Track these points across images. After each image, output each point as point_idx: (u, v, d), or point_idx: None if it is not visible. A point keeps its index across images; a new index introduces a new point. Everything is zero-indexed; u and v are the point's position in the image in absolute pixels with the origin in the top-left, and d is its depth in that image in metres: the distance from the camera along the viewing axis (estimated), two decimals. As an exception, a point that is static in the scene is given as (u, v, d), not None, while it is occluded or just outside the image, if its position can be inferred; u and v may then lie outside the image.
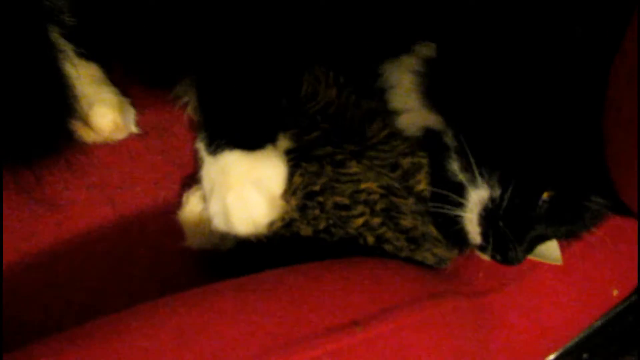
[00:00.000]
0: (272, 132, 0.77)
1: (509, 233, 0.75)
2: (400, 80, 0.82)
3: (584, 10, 0.74)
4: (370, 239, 0.77)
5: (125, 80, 1.05)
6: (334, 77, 0.83)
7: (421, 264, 0.81)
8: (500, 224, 0.75)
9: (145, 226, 0.91)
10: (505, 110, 0.75)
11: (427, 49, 0.80)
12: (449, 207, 0.77)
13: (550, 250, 0.85)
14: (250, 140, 0.76)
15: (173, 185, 0.94)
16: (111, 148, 0.98)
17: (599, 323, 1.04)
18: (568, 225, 0.78)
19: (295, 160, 0.78)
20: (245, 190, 0.74)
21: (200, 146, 0.78)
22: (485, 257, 0.77)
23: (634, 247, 0.87)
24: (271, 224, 0.76)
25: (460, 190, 0.77)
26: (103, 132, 0.95)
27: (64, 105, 0.92)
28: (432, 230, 0.80)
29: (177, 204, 0.88)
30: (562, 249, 0.85)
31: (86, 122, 0.94)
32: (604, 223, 0.82)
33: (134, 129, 0.99)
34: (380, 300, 0.68)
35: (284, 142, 0.78)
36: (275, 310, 0.65)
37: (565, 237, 0.80)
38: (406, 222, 0.77)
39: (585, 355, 1.11)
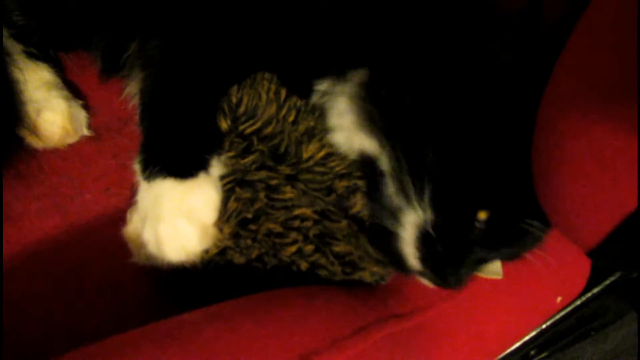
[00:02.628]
0: (206, 159, 0.75)
1: (448, 256, 0.73)
2: (337, 102, 0.79)
3: (513, 37, 0.74)
4: (304, 266, 0.75)
5: (77, 80, 1.02)
6: (275, 91, 0.79)
7: (359, 283, 0.79)
8: (438, 247, 0.73)
9: (96, 235, 0.90)
10: (435, 133, 0.74)
11: (361, 75, 0.78)
12: (389, 223, 0.75)
13: (490, 265, 0.82)
14: (183, 168, 0.74)
15: (124, 191, 0.93)
16: (62, 153, 0.97)
17: (544, 325, 1.03)
18: (508, 247, 0.76)
19: (230, 184, 0.75)
20: (176, 222, 0.72)
21: (137, 169, 0.76)
22: (427, 283, 0.75)
23: (578, 255, 0.85)
24: (205, 251, 0.73)
25: (396, 213, 0.75)
26: (52, 139, 0.94)
27: (11, 112, 0.90)
28: (370, 250, 0.77)
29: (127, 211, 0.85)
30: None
31: (34, 129, 0.91)
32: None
33: (85, 132, 0.97)
34: (300, 346, 0.66)
35: (217, 168, 0.76)
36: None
37: (508, 259, 0.78)
38: (340, 247, 0.76)
39: (532, 352, 1.11)
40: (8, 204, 0.91)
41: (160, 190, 0.73)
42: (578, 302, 0.92)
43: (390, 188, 0.76)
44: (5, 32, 0.96)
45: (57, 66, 1.01)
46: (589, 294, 0.92)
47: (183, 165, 0.74)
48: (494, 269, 0.82)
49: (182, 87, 0.78)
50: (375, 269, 0.80)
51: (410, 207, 0.74)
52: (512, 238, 0.76)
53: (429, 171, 0.73)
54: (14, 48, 0.96)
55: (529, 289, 0.86)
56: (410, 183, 0.74)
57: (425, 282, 0.77)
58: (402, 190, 0.75)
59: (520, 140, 0.71)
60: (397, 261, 0.77)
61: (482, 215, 0.73)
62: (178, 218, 0.72)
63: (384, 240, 0.78)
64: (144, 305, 0.81)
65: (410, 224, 0.75)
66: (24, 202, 0.93)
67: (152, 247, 0.74)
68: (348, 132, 0.79)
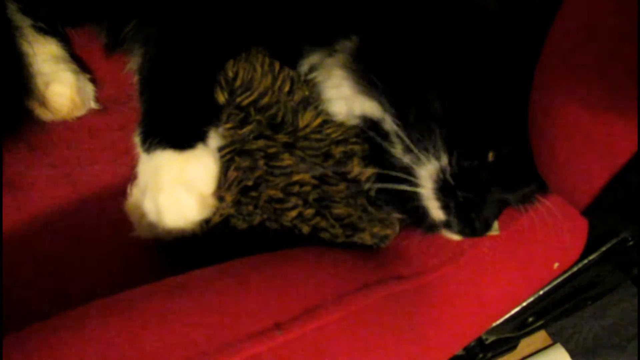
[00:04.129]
0: (204, 131, 0.76)
1: (470, 201, 0.75)
2: (331, 74, 0.80)
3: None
4: (305, 229, 0.77)
5: (85, 54, 1.03)
6: (270, 64, 0.80)
7: (361, 247, 0.80)
8: (459, 193, 0.74)
9: (105, 205, 0.91)
10: (437, 83, 0.75)
11: (350, 43, 0.79)
12: (405, 185, 0.77)
13: None
14: (182, 139, 0.75)
15: (132, 162, 0.93)
16: (71, 125, 0.98)
17: (541, 292, 1.04)
18: (522, 186, 0.78)
19: (229, 154, 0.76)
20: (176, 192, 0.74)
21: (137, 142, 0.77)
22: (454, 237, 0.78)
23: (575, 221, 0.86)
24: (208, 220, 0.75)
25: (409, 170, 0.77)
26: (61, 110, 0.95)
27: (20, 85, 0.91)
28: (370, 209, 0.79)
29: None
30: (505, 225, 0.84)
31: (43, 101, 0.92)
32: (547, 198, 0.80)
33: (93, 105, 0.98)
34: (305, 300, 0.68)
35: (215, 140, 0.77)
36: (201, 318, 0.65)
37: (523, 202, 0.80)
38: (339, 210, 0.77)
39: (530, 319, 1.12)
40: (20, 173, 0.93)
41: (159, 162, 0.75)
42: (575, 269, 0.92)
43: (397, 147, 0.77)
44: (14, 6, 0.96)
45: (65, 41, 1.02)
46: (585, 261, 0.92)
47: (181, 137, 0.75)
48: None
49: (179, 62, 0.80)
50: (375, 229, 0.81)
51: (423, 160, 0.75)
52: (523, 175, 0.77)
53: (437, 120, 0.74)
54: (23, 22, 0.97)
55: (527, 254, 0.87)
56: (420, 135, 0.74)
57: (451, 235, 0.79)
58: (410, 148, 0.75)
59: (519, 84, 0.72)
60: (419, 219, 0.79)
61: (492, 155, 0.74)
62: (177, 188, 0.74)
63: (402, 202, 0.79)
64: (149, 273, 0.82)
65: (426, 178, 0.76)
66: (35, 171, 0.94)
67: (152, 217, 0.76)
68: (347, 101, 0.79)
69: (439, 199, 0.76)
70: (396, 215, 0.83)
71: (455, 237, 0.77)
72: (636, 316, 1.64)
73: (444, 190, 0.76)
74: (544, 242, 0.87)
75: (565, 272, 0.92)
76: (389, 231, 0.82)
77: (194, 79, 0.79)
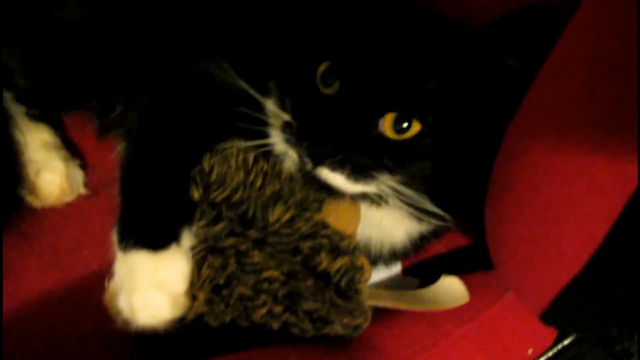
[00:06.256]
0: (177, 232, 0.78)
1: (304, 130, 0.79)
2: None
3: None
4: (275, 325, 0.77)
5: (77, 137, 1.05)
6: (244, 158, 0.82)
7: (333, 338, 0.80)
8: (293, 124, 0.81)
9: (91, 290, 0.92)
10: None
11: None
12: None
13: (454, 290, 0.86)
14: (156, 240, 0.77)
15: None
16: (61, 211, 1.00)
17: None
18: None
19: (203, 251, 0.78)
20: (149, 293, 0.75)
21: (114, 240, 0.78)
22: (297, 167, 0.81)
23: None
24: (182, 318, 0.76)
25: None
26: (50, 197, 0.97)
27: (13, 174, 0.93)
28: (338, 302, 0.79)
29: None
30: (477, 312, 0.84)
31: (33, 189, 0.95)
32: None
33: (82, 190, 1.00)
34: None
35: (188, 239, 0.79)
36: None
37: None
38: (308, 305, 0.78)
39: None
40: (11, 260, 0.95)
41: (134, 262, 0.76)
42: (550, 354, 0.91)
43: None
44: (9, 95, 0.99)
45: (58, 125, 1.05)
46: (559, 346, 0.91)
47: (156, 238, 0.77)
48: (459, 293, 0.85)
49: (156, 163, 0.82)
50: (346, 320, 0.81)
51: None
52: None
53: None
54: (17, 110, 1.00)
55: (500, 341, 0.86)
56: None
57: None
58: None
59: None
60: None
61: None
62: (150, 289, 0.75)
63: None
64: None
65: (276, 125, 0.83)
66: (25, 259, 0.97)
67: (127, 315, 0.77)
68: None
69: (282, 130, 0.82)
70: (367, 304, 0.82)
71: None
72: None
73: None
74: (516, 328, 0.86)
75: (540, 356, 0.91)
76: (360, 321, 0.82)
77: (170, 178, 0.81)
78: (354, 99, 0.76)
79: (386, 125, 0.76)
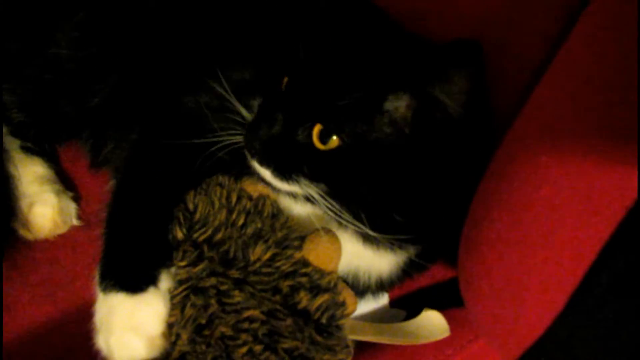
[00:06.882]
0: (155, 275, 0.80)
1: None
2: None
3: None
4: (256, 364, 0.77)
5: (71, 169, 1.07)
6: (227, 196, 0.83)
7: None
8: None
9: (84, 321, 0.93)
10: None
11: None
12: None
13: (435, 325, 0.88)
14: (134, 283, 0.78)
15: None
16: (54, 242, 1.02)
17: None
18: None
19: (185, 291, 0.79)
20: (125, 337, 0.77)
21: (96, 280, 0.80)
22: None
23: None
24: (167, 355, 0.78)
25: None
26: (42, 231, 0.99)
27: (6, 208, 0.95)
28: (318, 339, 0.81)
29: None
30: (463, 346, 0.86)
31: (26, 223, 0.97)
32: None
33: (75, 222, 1.01)
34: None
35: (167, 280, 0.80)
36: None
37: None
38: (287, 344, 0.78)
39: None
40: (5, 292, 0.97)
41: (112, 304, 0.78)
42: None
43: None
44: (5, 129, 1.02)
45: (52, 158, 1.07)
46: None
47: (134, 281, 0.79)
48: (440, 327, 0.85)
49: (138, 205, 0.85)
50: (326, 356, 0.82)
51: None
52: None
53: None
54: (11, 144, 1.02)
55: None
56: None
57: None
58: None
59: None
60: None
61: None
62: (127, 332, 0.77)
63: None
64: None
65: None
66: (19, 291, 0.99)
67: (105, 354, 0.79)
68: None
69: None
70: (349, 338, 0.83)
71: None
72: None
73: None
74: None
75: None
76: (341, 356, 0.83)
77: (150, 219, 0.83)
78: (290, 101, 0.81)
79: (314, 134, 0.79)
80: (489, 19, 0.93)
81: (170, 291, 0.81)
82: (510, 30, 0.92)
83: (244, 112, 0.87)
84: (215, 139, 0.85)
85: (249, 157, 0.82)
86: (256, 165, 0.83)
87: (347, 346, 0.86)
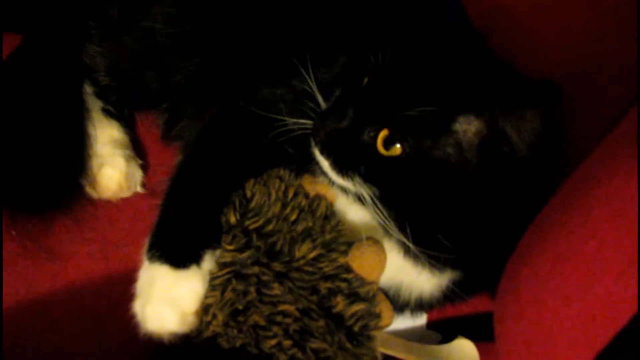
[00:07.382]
0: (200, 254, 0.82)
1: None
2: None
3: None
4: (282, 358, 0.79)
5: (145, 138, 1.11)
6: (284, 190, 0.85)
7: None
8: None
9: (129, 284, 0.97)
10: None
11: None
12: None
13: (467, 354, 0.89)
14: (179, 259, 0.81)
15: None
16: (117, 204, 1.05)
17: None
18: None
19: (229, 274, 0.81)
20: (161, 307, 0.79)
21: (145, 248, 0.83)
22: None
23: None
24: (200, 332, 0.81)
25: None
26: (107, 192, 1.03)
27: (79, 164, 1.00)
28: (347, 346, 0.82)
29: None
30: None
31: (93, 182, 1.01)
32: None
33: (139, 189, 1.05)
34: None
35: (209, 262, 0.82)
36: None
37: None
38: (316, 345, 0.79)
39: None
40: (62, 242, 1.02)
41: (155, 274, 0.81)
42: None
43: None
44: (90, 89, 1.06)
45: (129, 124, 1.10)
46: None
47: (179, 256, 0.81)
48: (470, 357, 0.85)
49: (198, 184, 0.87)
50: (351, 362, 0.81)
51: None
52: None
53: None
54: (94, 105, 1.07)
55: None
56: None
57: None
58: None
59: None
60: None
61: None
62: (163, 304, 0.79)
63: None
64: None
65: None
66: (75, 244, 1.03)
67: (139, 318, 0.82)
68: None
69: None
70: (379, 351, 0.84)
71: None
72: None
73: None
74: None
75: None
76: (367, 363, 0.83)
77: (207, 200, 0.85)
78: (365, 101, 0.82)
79: (380, 137, 0.80)
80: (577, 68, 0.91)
81: (210, 273, 0.82)
82: (593, 85, 0.90)
83: (321, 102, 0.89)
84: (286, 120, 0.88)
85: (312, 144, 0.84)
86: (317, 153, 0.84)
87: (375, 358, 0.86)
